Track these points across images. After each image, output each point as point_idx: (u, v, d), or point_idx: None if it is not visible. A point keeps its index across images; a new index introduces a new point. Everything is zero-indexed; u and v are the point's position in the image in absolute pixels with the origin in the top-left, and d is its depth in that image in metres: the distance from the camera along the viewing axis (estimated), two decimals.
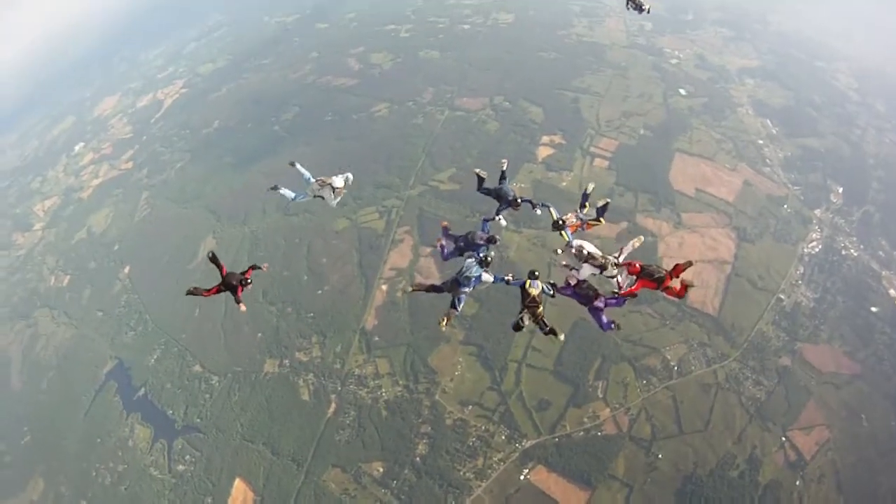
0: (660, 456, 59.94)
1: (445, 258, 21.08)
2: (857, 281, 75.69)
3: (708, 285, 72.16)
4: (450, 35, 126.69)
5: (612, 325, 18.62)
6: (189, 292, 18.49)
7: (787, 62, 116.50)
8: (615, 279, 19.16)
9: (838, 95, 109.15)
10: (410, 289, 19.80)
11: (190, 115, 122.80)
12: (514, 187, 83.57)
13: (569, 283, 18.82)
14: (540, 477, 59.37)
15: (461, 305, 18.68)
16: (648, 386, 63.37)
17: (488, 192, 22.00)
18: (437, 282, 19.16)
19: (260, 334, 73.21)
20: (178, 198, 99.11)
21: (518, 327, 17.65)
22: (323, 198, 20.71)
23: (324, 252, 79.41)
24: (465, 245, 20.11)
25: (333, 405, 65.79)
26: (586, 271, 18.97)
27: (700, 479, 58.70)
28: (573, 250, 19.49)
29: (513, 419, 62.22)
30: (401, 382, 65.99)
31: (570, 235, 20.39)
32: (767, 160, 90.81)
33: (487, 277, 18.61)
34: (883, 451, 62.43)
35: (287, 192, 21.18)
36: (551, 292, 18.59)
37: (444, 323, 18.54)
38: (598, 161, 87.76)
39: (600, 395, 63.02)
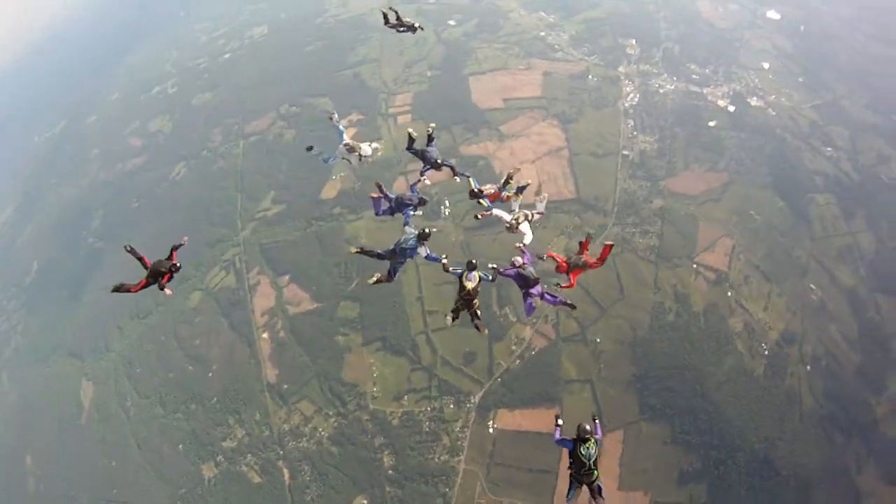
0: (598, 340, 60.56)
1: (378, 214, 21.90)
2: (685, 107, 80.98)
3: (555, 176, 73.73)
4: (214, 71, 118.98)
5: (534, 310, 20.41)
6: (116, 289, 16.95)
7: None
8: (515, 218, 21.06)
9: None
10: (354, 250, 20.30)
11: (6, 272, 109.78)
12: (338, 179, 78.64)
13: (513, 265, 19.50)
14: (506, 420, 58.74)
15: (396, 276, 20.06)
16: (551, 287, 62.41)
17: (415, 153, 22.90)
18: (377, 248, 20.37)
19: (181, 446, 66.80)
20: (35, 359, 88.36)
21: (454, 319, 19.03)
22: (350, 161, 22.57)
23: (192, 334, 73.10)
24: (397, 205, 20.95)
25: (286, 472, 61.67)
26: (503, 215, 21.16)
27: (645, 340, 59.97)
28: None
29: (450, 385, 60.89)
30: (331, 413, 62.75)
31: (488, 202, 21.63)
32: (556, 46, 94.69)
33: (423, 251, 19.26)
34: (784, 231, 66.70)
35: (321, 154, 23.40)
36: (490, 278, 19.70)
37: (372, 280, 19.78)
38: (400, 118, 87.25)
39: (514, 319, 62.52)
